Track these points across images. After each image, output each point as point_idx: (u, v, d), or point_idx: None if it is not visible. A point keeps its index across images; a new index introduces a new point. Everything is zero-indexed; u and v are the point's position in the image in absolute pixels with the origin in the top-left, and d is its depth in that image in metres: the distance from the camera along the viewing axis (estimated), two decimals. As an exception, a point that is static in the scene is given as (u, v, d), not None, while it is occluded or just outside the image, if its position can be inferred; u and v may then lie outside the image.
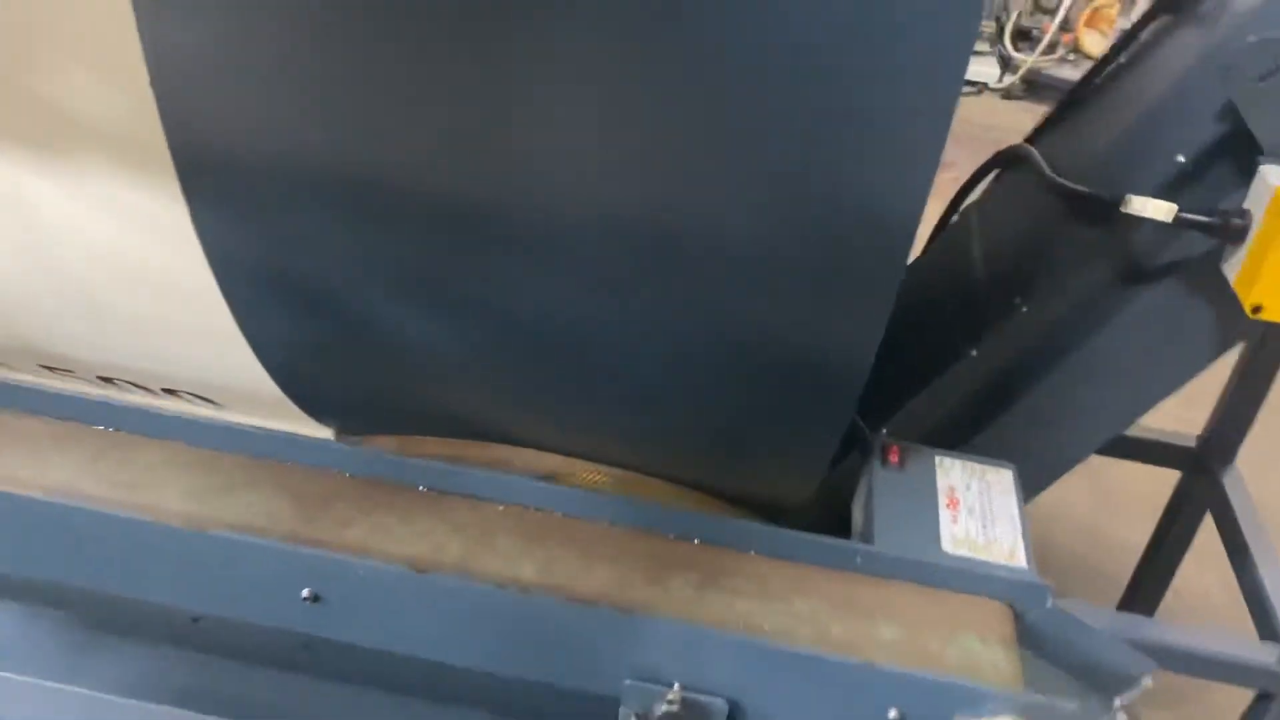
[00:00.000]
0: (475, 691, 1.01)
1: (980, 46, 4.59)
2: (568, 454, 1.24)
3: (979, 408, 1.25)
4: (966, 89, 3.24)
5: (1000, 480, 1.09)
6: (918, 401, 1.30)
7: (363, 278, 1.02)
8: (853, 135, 0.75)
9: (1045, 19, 4.72)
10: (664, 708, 0.89)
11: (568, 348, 1.03)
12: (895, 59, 0.70)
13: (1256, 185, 0.98)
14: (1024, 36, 4.80)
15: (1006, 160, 1.39)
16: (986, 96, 4.83)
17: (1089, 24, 4.67)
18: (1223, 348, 1.18)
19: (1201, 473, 1.84)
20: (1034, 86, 4.75)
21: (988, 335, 1.25)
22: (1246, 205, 0.99)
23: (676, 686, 0.90)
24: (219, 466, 1.03)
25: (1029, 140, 1.40)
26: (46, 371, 1.36)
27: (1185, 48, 1.17)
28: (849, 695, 0.89)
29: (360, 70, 0.83)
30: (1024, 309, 1.22)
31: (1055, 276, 1.21)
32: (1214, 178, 1.06)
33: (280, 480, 1.02)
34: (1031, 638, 0.94)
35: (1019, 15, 4.75)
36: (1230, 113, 1.01)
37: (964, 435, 1.25)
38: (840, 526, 1.17)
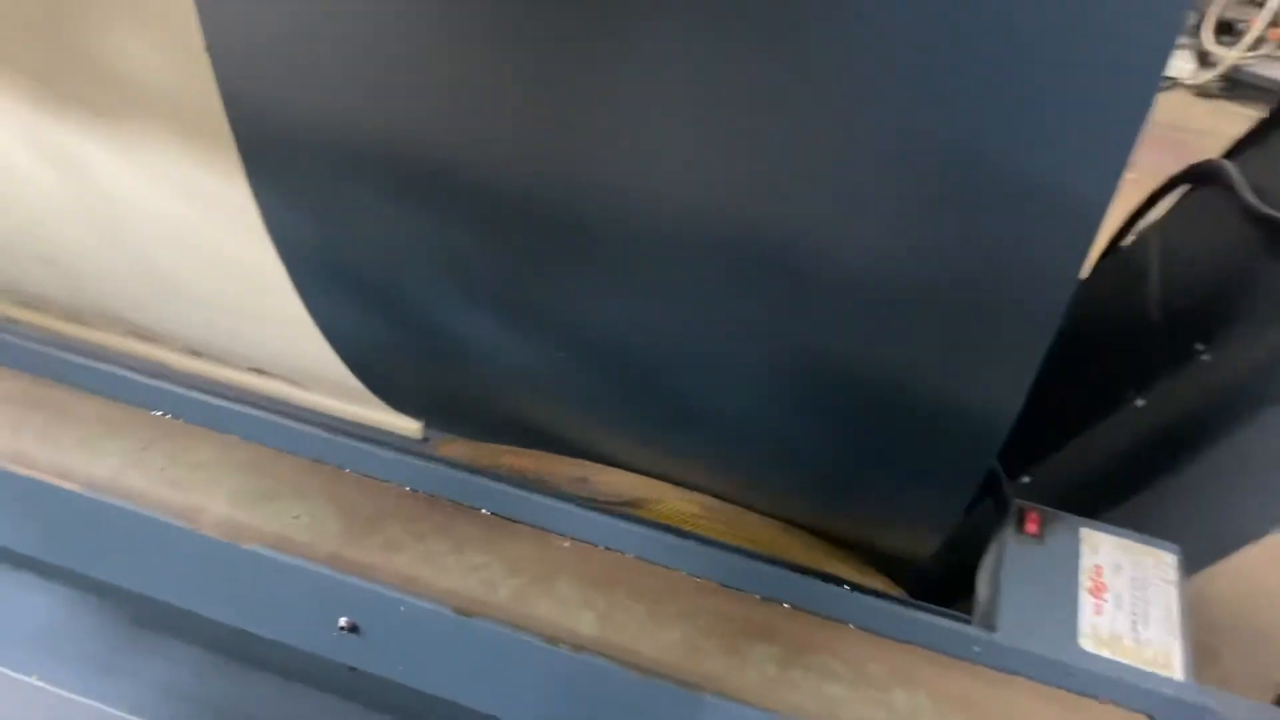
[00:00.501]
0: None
1: (1174, 38, 4.18)
2: (658, 476, 1.12)
3: (1137, 467, 1.07)
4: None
5: (1160, 565, 0.91)
6: (1066, 452, 1.13)
7: (437, 277, 0.92)
8: (1024, 138, 0.59)
9: (1253, 11, 4.27)
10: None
11: (663, 368, 0.90)
12: (1084, 47, 0.54)
13: None
14: (1227, 29, 4.36)
15: (1198, 176, 1.19)
16: (1178, 92, 4.40)
17: (1307, 19, 4.21)
18: None
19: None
20: (1235, 85, 4.30)
21: (1158, 382, 1.06)
22: None
23: (743, 781, 0.77)
24: (271, 469, 0.95)
25: (1228, 154, 1.19)
26: (136, 339, 1.32)
27: None
28: (948, 818, 0.74)
29: (439, 44, 0.72)
30: (1205, 356, 1.03)
31: (1248, 321, 1.01)
32: None
33: (333, 490, 0.93)
34: (1182, 769, 0.78)
35: (1223, 6, 4.31)
36: None
37: (1115, 498, 1.07)
38: (964, 577, 1.01)
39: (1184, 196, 1.23)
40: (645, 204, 0.74)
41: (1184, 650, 0.84)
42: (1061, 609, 0.85)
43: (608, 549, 0.91)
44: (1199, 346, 1.02)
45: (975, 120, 0.60)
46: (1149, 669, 0.82)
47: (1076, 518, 0.95)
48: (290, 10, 0.74)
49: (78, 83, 0.85)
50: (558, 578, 0.87)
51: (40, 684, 0.93)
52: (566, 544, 0.91)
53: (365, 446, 0.95)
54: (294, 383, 1.27)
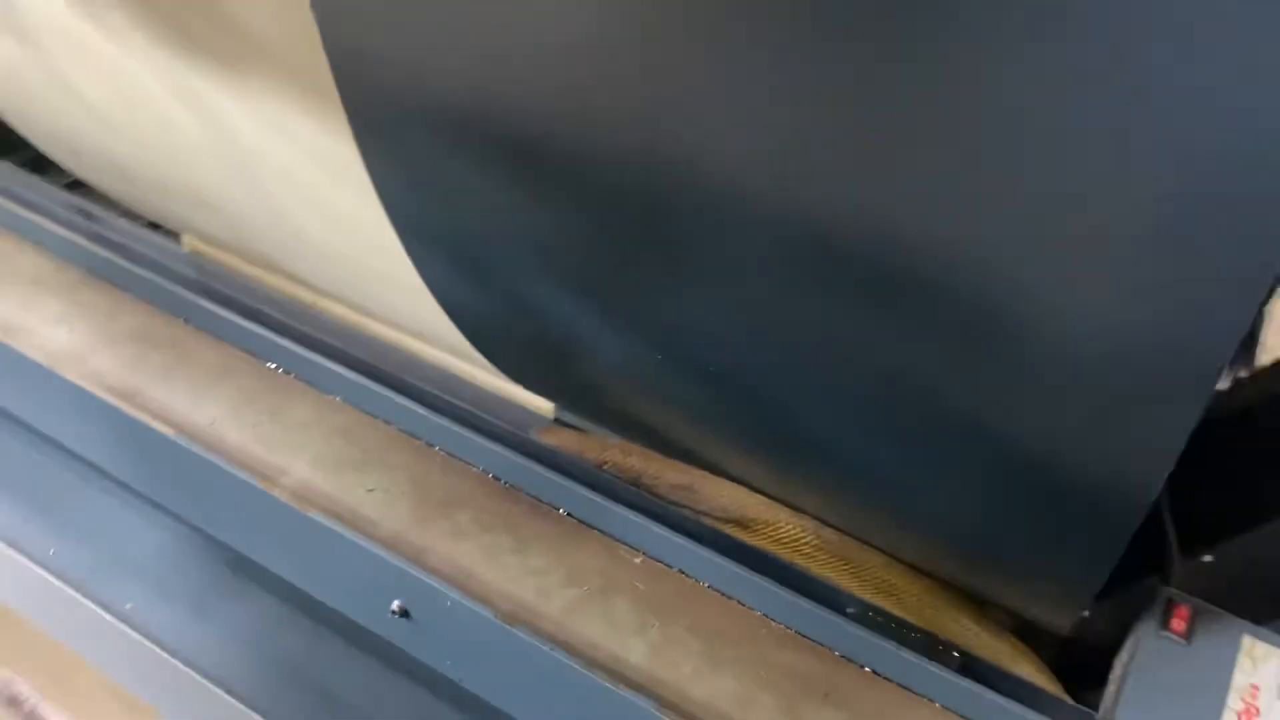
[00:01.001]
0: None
1: None
2: (773, 497, 1.03)
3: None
4: None
5: (1339, 700, 0.74)
6: (1259, 534, 0.95)
7: (538, 258, 0.87)
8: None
9: None
10: None
11: (787, 398, 0.82)
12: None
13: None
14: None
15: None
16: None
17: None
18: None
19: None
20: None
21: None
22: None
23: None
24: (362, 436, 0.93)
25: None
26: (287, 279, 1.34)
27: None
28: None
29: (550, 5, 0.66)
30: None
31: None
32: None
33: (415, 467, 0.90)
34: None
35: None
36: None
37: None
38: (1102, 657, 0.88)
39: None
40: (778, 211, 0.64)
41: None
42: (1199, 731, 0.71)
43: (681, 572, 0.83)
44: None
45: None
46: (1298, 826, 0.66)
47: (1241, 621, 0.79)
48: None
49: (205, 29, 0.85)
50: (618, 596, 0.81)
51: (131, 611, 0.95)
52: (638, 560, 0.84)
53: (454, 427, 0.92)
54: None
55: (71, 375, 0.94)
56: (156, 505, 1.00)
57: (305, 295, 1.30)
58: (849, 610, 0.95)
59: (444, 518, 0.86)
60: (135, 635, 0.95)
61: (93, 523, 1.00)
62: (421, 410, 0.93)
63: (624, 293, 0.84)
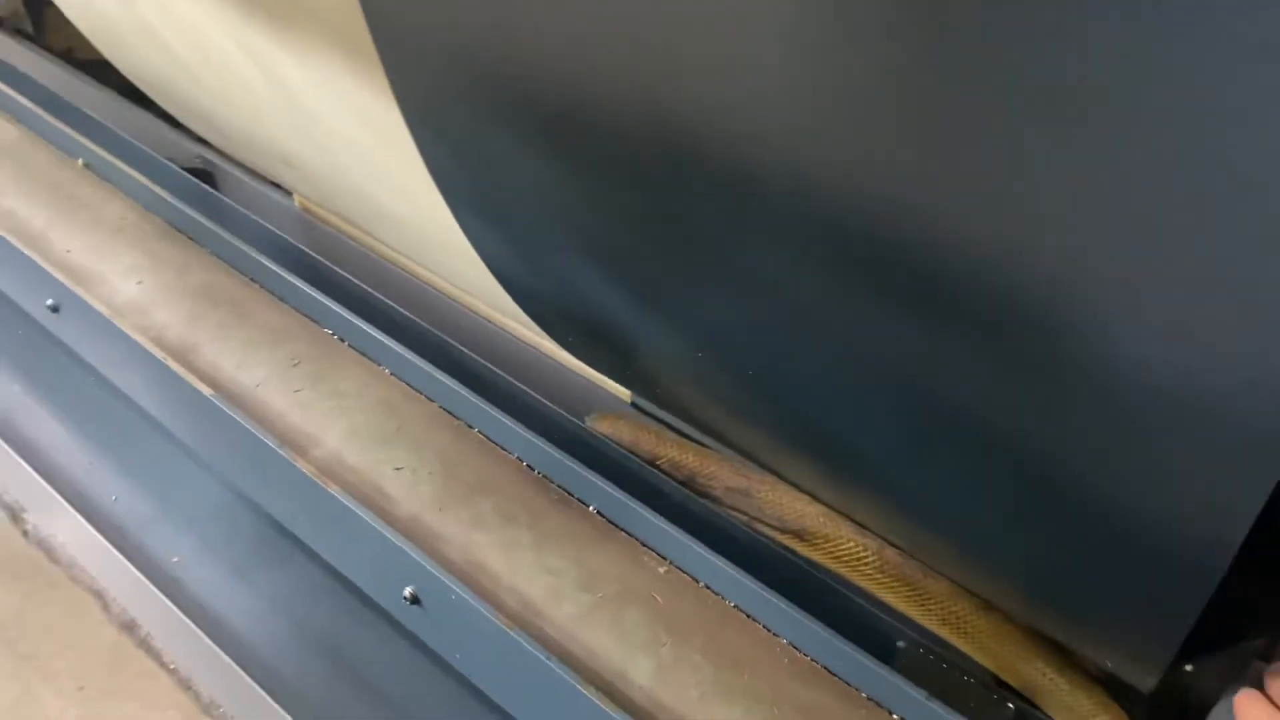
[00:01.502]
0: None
1: None
2: (834, 508, 0.96)
3: None
4: None
5: None
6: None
7: (584, 239, 0.81)
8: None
9: None
10: None
11: (852, 408, 0.74)
12: None
13: None
14: None
15: None
16: None
17: None
18: None
19: None
20: None
21: None
22: None
23: None
24: (401, 411, 0.90)
25: None
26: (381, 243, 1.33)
27: None
28: None
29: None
30: None
31: None
32: None
33: (449, 448, 0.87)
34: None
35: None
36: None
37: None
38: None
39: None
40: (855, 209, 0.57)
41: None
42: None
43: (706, 587, 0.77)
44: None
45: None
46: None
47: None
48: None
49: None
50: (633, 606, 0.75)
51: (176, 565, 0.96)
52: (662, 569, 0.79)
53: (491, 410, 0.88)
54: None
55: (130, 328, 0.94)
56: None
57: (404, 262, 1.28)
58: (900, 643, 0.87)
59: (467, 504, 0.82)
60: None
61: (156, 474, 1.01)
62: (460, 389, 0.90)
63: (678, 280, 0.78)
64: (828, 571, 0.90)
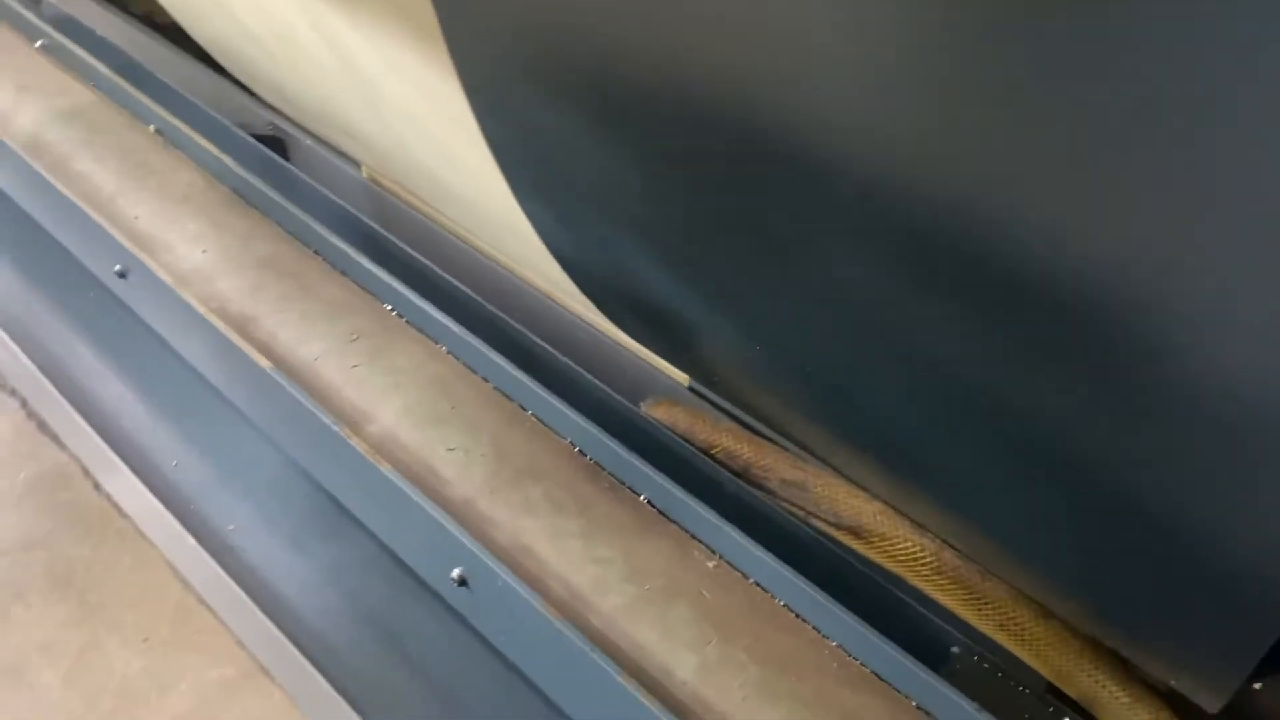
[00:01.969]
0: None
1: None
2: (894, 506, 0.93)
3: None
4: None
5: None
6: None
7: (653, 227, 0.80)
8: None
9: None
10: None
11: (927, 409, 0.72)
12: None
13: None
14: None
15: None
16: None
17: None
18: None
19: None
20: None
21: None
22: None
23: None
24: (456, 390, 0.90)
25: None
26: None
27: None
28: None
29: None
30: None
31: None
32: None
33: (503, 431, 0.86)
34: None
35: None
36: None
37: None
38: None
39: None
40: (927, 208, 0.55)
41: None
42: None
43: (756, 584, 0.76)
44: None
45: None
46: None
47: None
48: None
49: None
50: (680, 601, 0.74)
51: (233, 533, 0.97)
52: (712, 564, 0.77)
53: (545, 394, 0.87)
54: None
55: (193, 297, 0.95)
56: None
57: (466, 234, 1.27)
58: (954, 648, 0.85)
59: (518, 489, 0.82)
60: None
61: (216, 441, 1.02)
62: (515, 371, 0.89)
63: (742, 273, 0.76)
64: (882, 572, 0.87)
